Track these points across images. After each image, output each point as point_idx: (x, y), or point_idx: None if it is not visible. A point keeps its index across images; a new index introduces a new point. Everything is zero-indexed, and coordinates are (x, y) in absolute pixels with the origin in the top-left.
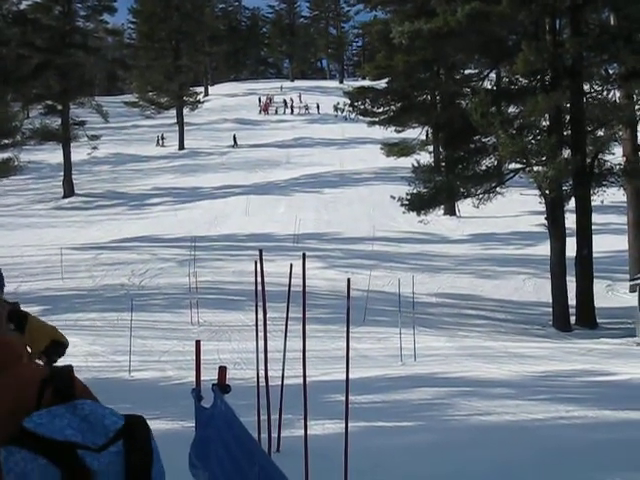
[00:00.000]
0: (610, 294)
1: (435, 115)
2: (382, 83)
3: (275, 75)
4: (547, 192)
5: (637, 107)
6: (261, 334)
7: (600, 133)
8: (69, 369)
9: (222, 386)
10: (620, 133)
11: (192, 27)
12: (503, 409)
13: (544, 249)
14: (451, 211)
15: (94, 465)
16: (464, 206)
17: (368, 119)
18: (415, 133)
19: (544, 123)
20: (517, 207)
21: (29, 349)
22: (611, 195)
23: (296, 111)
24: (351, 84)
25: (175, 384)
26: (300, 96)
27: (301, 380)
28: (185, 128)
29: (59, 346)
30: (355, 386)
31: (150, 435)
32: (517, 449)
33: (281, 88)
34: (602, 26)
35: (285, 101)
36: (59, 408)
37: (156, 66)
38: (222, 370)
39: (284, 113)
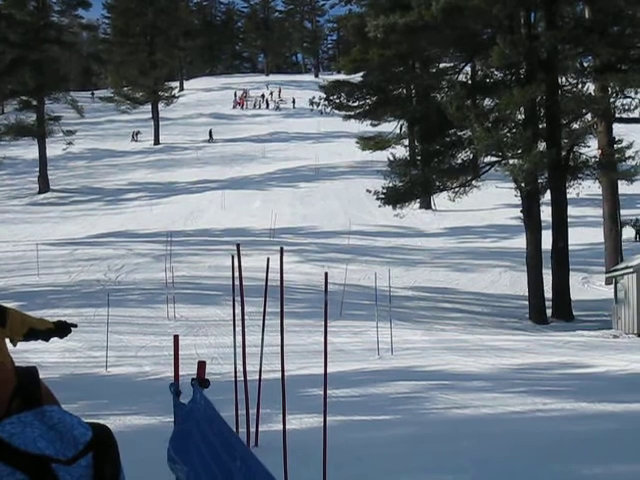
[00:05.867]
0: (586, 286)
1: (411, 109)
2: (357, 77)
3: (250, 69)
4: (523, 185)
5: (612, 100)
6: (238, 329)
7: (575, 126)
8: (35, 372)
9: (201, 381)
10: (595, 126)
11: (167, 22)
12: (480, 402)
13: (520, 242)
14: (427, 205)
15: (66, 479)
16: (440, 200)
17: (343, 113)
18: (391, 127)
19: (519, 116)
20: (493, 200)
21: (8, 340)
22: (586, 188)
23: (271, 105)
24: (326, 78)
25: (152, 379)
26: (280, 90)
27: (279, 375)
28: (160, 123)
29: (38, 332)
30: (333, 380)
31: (117, 447)
32: (495, 442)
33: (267, 85)
34: (577, 19)
35: (264, 95)
36: (28, 415)
37: (131, 61)
38: (201, 364)
39: (260, 107)
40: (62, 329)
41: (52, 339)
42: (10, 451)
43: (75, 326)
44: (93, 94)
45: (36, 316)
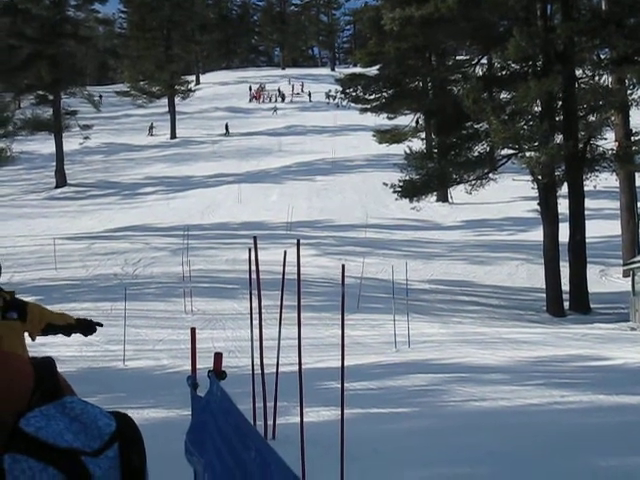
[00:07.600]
0: (603, 279)
1: (427, 102)
2: (374, 70)
3: (266, 63)
4: (539, 178)
5: (629, 92)
6: (255, 322)
7: (592, 118)
8: (52, 363)
9: (218, 372)
10: (612, 118)
11: (183, 16)
12: (498, 395)
13: (537, 235)
14: (444, 198)
15: (96, 471)
16: (456, 192)
17: (360, 106)
18: (407, 120)
19: (536, 109)
20: (510, 193)
21: (27, 334)
22: (603, 180)
23: (287, 99)
24: (343, 71)
25: (170, 372)
26: (302, 85)
27: (296, 367)
28: (177, 117)
29: (56, 327)
30: (350, 373)
31: (141, 437)
32: (512, 434)
33: (289, 80)
34: (593, 11)
35: (279, 89)
36: (49, 408)
37: (147, 55)
38: (218, 356)
39: (275, 101)
40: (87, 327)
41: (74, 335)
42: (39, 446)
43: (101, 325)
44: (101, 97)
45: (55, 310)
